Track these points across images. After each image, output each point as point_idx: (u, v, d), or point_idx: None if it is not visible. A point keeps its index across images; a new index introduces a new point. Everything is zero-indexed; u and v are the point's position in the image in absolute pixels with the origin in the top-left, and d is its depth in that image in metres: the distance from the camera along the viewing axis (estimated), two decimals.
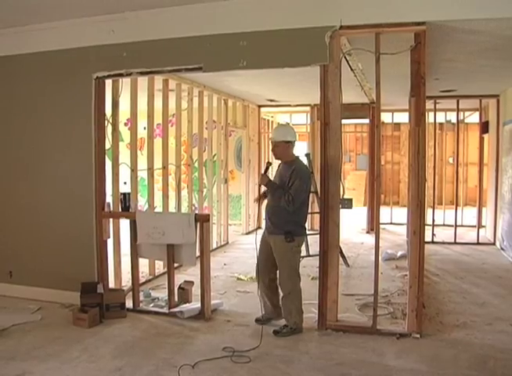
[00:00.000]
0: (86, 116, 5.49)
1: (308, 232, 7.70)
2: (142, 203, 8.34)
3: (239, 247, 8.97)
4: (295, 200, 4.62)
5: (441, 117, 10.88)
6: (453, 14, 4.37)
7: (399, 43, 4.53)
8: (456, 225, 9.52)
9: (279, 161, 5.03)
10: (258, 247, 5.03)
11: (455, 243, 9.34)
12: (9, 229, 5.99)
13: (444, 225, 10.77)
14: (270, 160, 5.13)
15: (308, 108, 11.02)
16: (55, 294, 5.64)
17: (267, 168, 4.99)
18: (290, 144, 4.85)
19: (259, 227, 8.77)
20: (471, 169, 12.98)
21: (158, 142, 6.99)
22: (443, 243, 9.43)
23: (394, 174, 15.59)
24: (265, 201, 5.05)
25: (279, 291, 4.94)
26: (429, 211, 9.51)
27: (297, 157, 4.95)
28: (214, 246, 8.76)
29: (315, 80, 4.82)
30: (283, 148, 4.84)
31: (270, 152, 4.98)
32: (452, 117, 11.16)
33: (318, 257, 4.96)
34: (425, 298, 5.23)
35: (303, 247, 7.35)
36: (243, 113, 10.38)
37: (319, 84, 4.74)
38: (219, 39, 4.98)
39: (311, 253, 7.39)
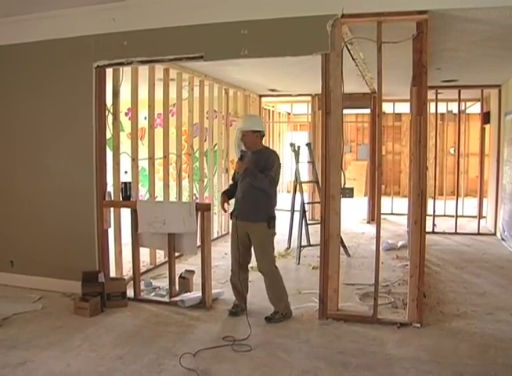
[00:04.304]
0: (87, 105, 5.48)
1: (309, 221, 7.81)
2: (142, 192, 8.34)
3: None
4: (275, 181, 4.84)
5: (442, 108, 10.87)
6: (455, 3, 4.35)
7: (401, 32, 4.50)
8: (456, 216, 9.52)
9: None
10: (231, 240, 5.09)
11: (455, 233, 9.35)
12: (10, 219, 6.00)
13: (445, 215, 10.75)
14: (243, 149, 5.20)
15: (309, 98, 11.00)
16: (56, 284, 5.66)
17: (242, 156, 5.01)
18: (257, 134, 4.97)
19: None
20: (472, 160, 12.99)
21: (159, 132, 6.97)
22: (444, 233, 9.44)
23: (395, 164, 15.55)
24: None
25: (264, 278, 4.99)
26: (430, 202, 9.52)
27: (265, 146, 5.15)
28: (215, 235, 8.79)
29: (316, 69, 4.80)
30: (251, 137, 4.95)
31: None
32: (453, 107, 11.14)
33: (318, 246, 4.96)
34: (426, 288, 5.23)
35: (304, 237, 7.46)
36: (244, 102, 10.32)
37: (321, 74, 4.72)
38: (220, 28, 4.95)
39: (311, 243, 7.41)
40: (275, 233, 5.00)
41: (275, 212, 5.02)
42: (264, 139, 5.15)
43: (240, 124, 5.11)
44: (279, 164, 4.95)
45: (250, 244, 4.96)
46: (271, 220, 4.86)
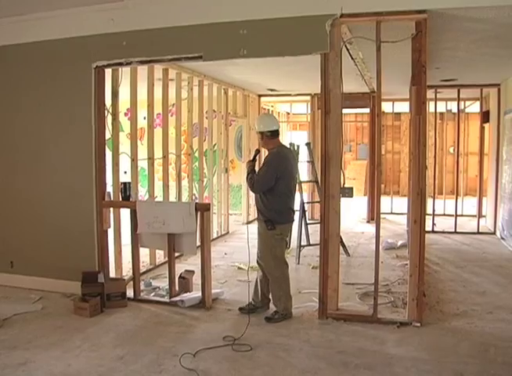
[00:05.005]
0: (86, 106, 5.47)
1: (308, 221, 7.81)
2: (142, 193, 8.34)
3: (240, 237, 8.94)
4: (256, 184, 4.82)
5: (441, 107, 10.86)
6: (454, 2, 4.35)
7: (400, 31, 4.51)
8: (456, 215, 9.52)
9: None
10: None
11: (455, 232, 9.35)
12: (10, 220, 6.00)
13: (444, 214, 10.76)
14: (259, 148, 5.29)
15: (308, 97, 10.99)
16: (56, 284, 5.66)
17: (255, 156, 5.12)
18: (262, 134, 4.94)
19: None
20: (472, 159, 12.99)
21: (158, 132, 6.97)
22: (443, 232, 9.44)
23: (395, 163, 15.57)
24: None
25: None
26: (429, 201, 9.52)
27: (279, 146, 5.00)
28: (215, 235, 8.79)
29: (315, 69, 4.80)
30: (260, 137, 4.99)
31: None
32: (452, 106, 11.14)
33: (318, 246, 4.96)
34: (425, 287, 5.23)
35: (303, 236, 7.45)
36: (243, 102, 10.35)
37: (320, 73, 4.72)
38: (219, 28, 4.95)
39: (311, 242, 7.41)
40: (279, 237, 4.92)
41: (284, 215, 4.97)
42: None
43: None
44: (273, 165, 4.83)
45: None
46: (268, 222, 4.82)
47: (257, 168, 5.05)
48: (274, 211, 4.86)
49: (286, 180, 4.91)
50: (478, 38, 5.44)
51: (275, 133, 4.95)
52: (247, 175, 4.94)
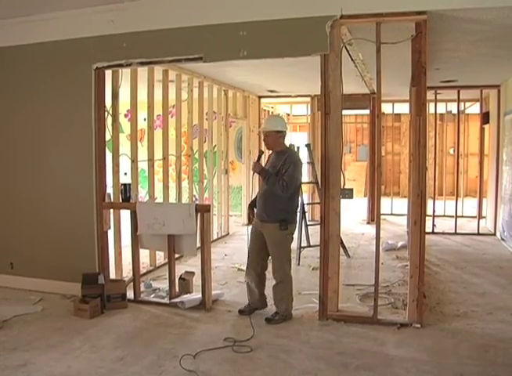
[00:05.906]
0: (86, 107, 5.47)
1: (308, 222, 7.81)
2: (142, 194, 8.34)
3: (240, 238, 8.92)
4: (289, 185, 4.73)
5: (441, 108, 10.87)
6: (454, 3, 4.35)
7: (400, 32, 4.51)
8: (456, 216, 9.52)
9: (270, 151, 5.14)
10: (249, 237, 5.09)
11: (455, 233, 9.34)
12: (10, 221, 5.99)
13: (444, 215, 10.77)
14: (262, 149, 5.28)
15: (308, 99, 10.99)
16: (56, 285, 5.65)
17: (259, 157, 5.09)
18: (280, 134, 4.93)
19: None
20: (472, 160, 13.00)
21: (158, 134, 6.97)
22: (443, 233, 9.44)
23: (395, 165, 15.58)
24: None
25: (273, 278, 4.99)
26: (430, 202, 9.52)
27: (289, 147, 5.07)
28: (215, 237, 8.78)
29: (315, 70, 4.80)
30: (274, 138, 4.93)
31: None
32: (452, 107, 11.14)
33: (318, 247, 4.96)
34: (426, 288, 5.23)
35: (303, 238, 7.45)
36: (243, 103, 10.34)
37: (320, 74, 4.72)
38: (219, 29, 4.96)
39: (311, 243, 7.40)
40: (290, 237, 4.94)
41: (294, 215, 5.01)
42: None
43: (263, 125, 5.12)
44: (298, 166, 4.88)
45: (265, 244, 4.95)
46: (282, 223, 4.79)
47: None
48: (286, 212, 4.86)
49: (300, 181, 5.02)
50: (478, 39, 5.45)
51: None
52: (268, 176, 4.79)
